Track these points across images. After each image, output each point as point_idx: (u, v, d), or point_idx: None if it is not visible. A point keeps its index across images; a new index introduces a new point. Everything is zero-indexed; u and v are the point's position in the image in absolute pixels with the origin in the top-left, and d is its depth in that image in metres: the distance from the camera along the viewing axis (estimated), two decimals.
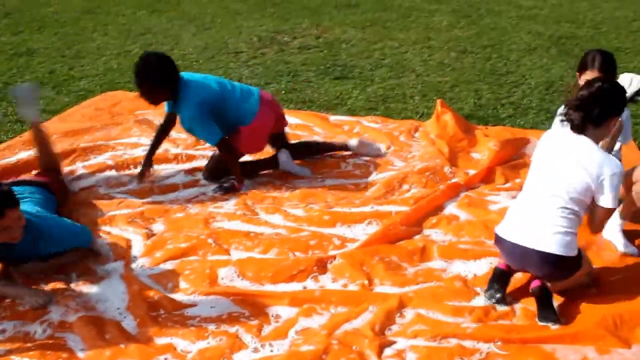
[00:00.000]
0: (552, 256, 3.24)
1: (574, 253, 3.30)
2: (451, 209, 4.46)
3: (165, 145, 5.36)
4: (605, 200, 3.25)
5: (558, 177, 3.30)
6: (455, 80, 7.26)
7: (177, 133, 5.75)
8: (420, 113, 6.22)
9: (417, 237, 4.11)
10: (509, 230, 3.39)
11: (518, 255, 3.35)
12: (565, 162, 3.30)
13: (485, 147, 5.24)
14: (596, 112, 3.28)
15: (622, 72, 6.72)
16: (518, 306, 3.45)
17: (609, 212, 3.31)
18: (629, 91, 6.44)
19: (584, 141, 3.30)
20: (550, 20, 10.12)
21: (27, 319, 3.42)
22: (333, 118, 6.04)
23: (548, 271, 3.34)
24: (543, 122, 6.01)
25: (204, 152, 5.33)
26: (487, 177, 4.87)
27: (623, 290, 3.49)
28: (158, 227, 4.30)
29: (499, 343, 3.15)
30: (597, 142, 3.34)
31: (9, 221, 3.44)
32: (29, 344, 3.25)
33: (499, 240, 3.45)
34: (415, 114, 6.21)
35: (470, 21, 10.15)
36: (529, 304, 3.43)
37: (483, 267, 3.77)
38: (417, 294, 3.53)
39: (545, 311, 3.31)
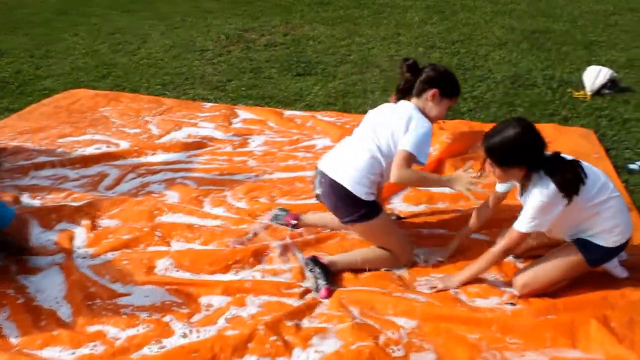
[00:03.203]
0: (340, 186, 3.53)
1: (364, 197, 3.53)
2: (396, 202, 4.49)
3: (116, 140, 5.40)
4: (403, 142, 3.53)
5: (375, 126, 3.69)
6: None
7: (131, 129, 5.82)
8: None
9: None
10: (322, 161, 3.75)
11: (322, 184, 3.66)
12: (383, 116, 3.74)
13: (438, 140, 5.27)
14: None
15: (593, 65, 6.82)
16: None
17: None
18: (596, 83, 6.53)
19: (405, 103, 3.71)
20: (526, 15, 10.18)
21: None
22: (287, 113, 6.08)
23: (334, 201, 3.61)
24: (505, 116, 6.06)
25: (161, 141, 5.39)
26: (436, 169, 4.91)
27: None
28: (103, 219, 4.34)
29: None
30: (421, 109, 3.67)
31: None
32: None
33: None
34: (374, 108, 6.23)
35: (443, 17, 10.20)
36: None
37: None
38: (346, 285, 3.58)
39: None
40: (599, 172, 3.38)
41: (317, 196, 3.79)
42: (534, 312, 3.29)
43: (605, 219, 3.31)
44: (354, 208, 3.58)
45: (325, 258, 3.65)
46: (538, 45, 8.44)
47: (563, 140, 5.15)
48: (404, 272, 3.70)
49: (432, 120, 3.70)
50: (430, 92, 3.66)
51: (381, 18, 10.07)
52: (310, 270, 3.55)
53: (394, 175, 3.52)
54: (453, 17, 10.17)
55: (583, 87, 6.60)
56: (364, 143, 3.65)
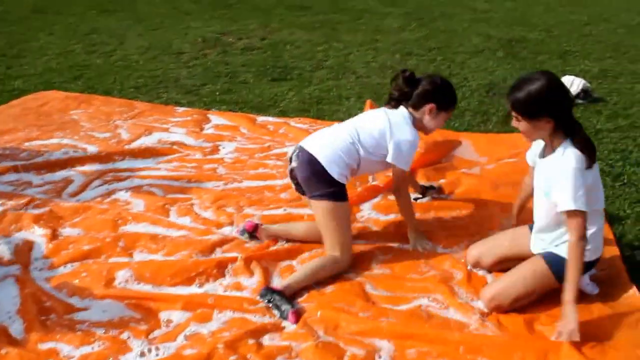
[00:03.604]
0: (316, 161, 3.62)
1: (337, 176, 3.63)
2: (368, 210, 4.39)
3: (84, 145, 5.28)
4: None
5: (363, 119, 3.86)
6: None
7: (101, 133, 5.69)
8: (353, 114, 6.11)
9: None
10: (303, 140, 3.85)
11: (298, 157, 3.73)
12: (374, 114, 3.85)
13: None
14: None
15: (568, 75, 6.77)
16: None
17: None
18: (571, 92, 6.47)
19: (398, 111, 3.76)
20: (503, 24, 10.14)
21: None
22: (260, 119, 5.97)
23: (307, 174, 3.67)
24: (479, 125, 5.98)
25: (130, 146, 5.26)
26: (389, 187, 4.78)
27: None
28: (64, 228, 4.20)
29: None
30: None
31: None
32: None
33: None
34: (348, 115, 6.11)
35: (421, 24, 10.14)
36: None
37: (383, 272, 3.72)
38: (311, 301, 3.46)
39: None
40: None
41: (292, 170, 3.81)
42: (503, 331, 3.19)
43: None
44: (324, 185, 3.64)
45: (279, 284, 3.54)
46: (514, 54, 8.38)
47: None
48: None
49: (428, 132, 3.85)
50: (427, 107, 3.71)
51: (360, 24, 10.00)
52: (269, 301, 3.39)
53: (397, 191, 3.83)
54: (431, 24, 10.11)
55: None
56: (347, 129, 3.78)
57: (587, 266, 3.26)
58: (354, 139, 3.70)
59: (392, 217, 4.28)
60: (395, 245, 3.96)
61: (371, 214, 4.37)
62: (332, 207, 3.65)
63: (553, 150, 3.19)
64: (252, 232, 3.99)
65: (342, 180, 3.67)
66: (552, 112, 3.10)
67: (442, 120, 3.80)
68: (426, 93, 3.71)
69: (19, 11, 11.24)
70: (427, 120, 3.75)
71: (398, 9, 11.05)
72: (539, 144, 3.40)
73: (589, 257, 3.25)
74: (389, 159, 3.68)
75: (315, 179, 3.67)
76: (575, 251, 3.09)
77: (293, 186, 3.91)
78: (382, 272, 3.71)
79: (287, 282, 3.51)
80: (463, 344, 3.09)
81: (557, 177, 3.11)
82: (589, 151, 3.12)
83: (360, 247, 3.91)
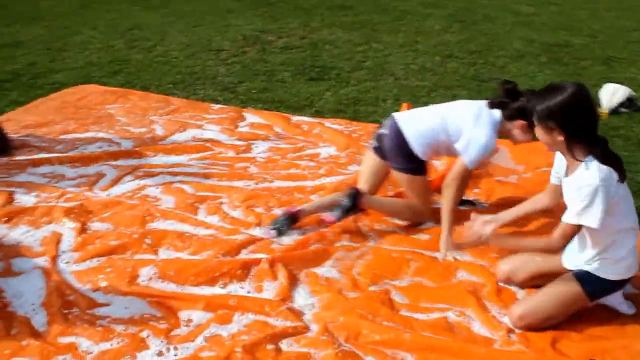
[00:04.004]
0: (402, 135, 3.92)
1: (419, 154, 3.93)
2: (395, 220, 4.30)
3: (118, 139, 5.31)
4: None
5: (454, 106, 4.01)
6: (433, 85, 7.12)
7: (136, 128, 5.70)
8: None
9: (353, 243, 3.97)
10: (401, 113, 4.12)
11: (390, 127, 4.02)
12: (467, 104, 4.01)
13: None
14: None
15: (612, 82, 6.61)
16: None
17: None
18: (613, 101, 6.32)
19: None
20: (546, 28, 9.95)
21: None
22: (295, 119, 5.93)
23: (393, 146, 3.98)
24: None
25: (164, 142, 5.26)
26: (440, 185, 4.71)
27: None
28: (93, 222, 4.21)
29: None
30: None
31: None
32: None
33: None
34: (384, 117, 6.03)
35: (462, 26, 10.00)
36: None
37: (413, 281, 3.64)
38: (334, 307, 3.40)
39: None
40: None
41: (379, 136, 4.11)
42: (530, 348, 3.10)
43: (619, 247, 3.12)
44: (405, 159, 3.96)
45: (363, 198, 4.02)
46: (556, 59, 8.21)
47: None
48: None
49: (515, 142, 3.98)
50: (519, 122, 3.80)
51: (400, 25, 9.89)
52: (342, 204, 3.94)
53: (447, 185, 3.86)
54: (473, 26, 9.96)
55: (599, 105, 6.37)
56: (439, 111, 3.99)
57: (616, 284, 3.17)
58: (441, 122, 3.88)
59: (428, 225, 4.19)
60: (426, 252, 3.87)
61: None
62: (410, 180, 4.01)
63: (574, 168, 3.06)
64: (294, 217, 4.08)
65: (422, 157, 3.94)
66: (564, 127, 2.97)
67: (530, 137, 3.78)
68: (522, 109, 3.73)
69: (66, 6, 11.36)
70: (517, 133, 3.87)
71: (440, 11, 10.92)
72: (561, 161, 3.29)
73: (620, 275, 3.15)
74: (457, 146, 3.83)
75: (399, 152, 3.96)
76: (543, 243, 3.27)
77: (373, 147, 4.20)
78: (410, 280, 3.63)
79: (369, 200, 4.06)
80: None
81: (573, 195, 3.00)
82: (614, 166, 2.98)
83: (391, 253, 3.84)
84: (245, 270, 3.66)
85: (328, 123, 5.81)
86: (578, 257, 3.24)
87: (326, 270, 3.71)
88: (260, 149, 5.32)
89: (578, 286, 3.17)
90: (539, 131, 3.10)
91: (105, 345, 3.12)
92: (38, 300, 3.45)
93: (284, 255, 3.78)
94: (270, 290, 3.53)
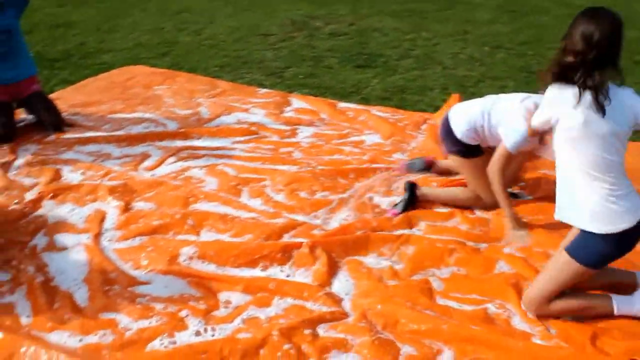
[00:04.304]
0: (448, 121, 4.08)
1: (460, 136, 4.03)
2: (440, 207, 4.25)
3: (164, 120, 5.35)
4: None
5: (506, 95, 4.08)
6: (481, 76, 7.02)
7: (182, 110, 5.74)
8: (436, 106, 6.01)
9: (395, 232, 3.93)
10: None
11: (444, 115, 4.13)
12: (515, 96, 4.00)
13: None
14: None
15: None
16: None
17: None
18: None
19: None
20: None
21: None
22: (341, 105, 5.90)
23: (442, 132, 4.14)
24: None
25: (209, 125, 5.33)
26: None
27: None
28: (137, 201, 4.25)
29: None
30: None
31: None
32: None
33: None
34: (430, 106, 6.02)
35: (513, 17, 9.84)
36: None
37: (454, 272, 3.59)
38: (373, 294, 3.37)
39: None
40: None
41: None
42: (569, 344, 3.04)
43: (591, 193, 2.97)
44: (451, 143, 4.09)
45: (420, 190, 4.21)
46: None
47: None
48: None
49: None
50: None
51: (450, 14, 9.77)
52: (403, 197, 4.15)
53: (490, 164, 3.80)
54: (523, 17, 9.78)
55: None
56: (487, 99, 4.08)
57: (600, 241, 2.98)
58: (485, 109, 3.93)
59: (477, 214, 4.14)
60: (469, 243, 3.82)
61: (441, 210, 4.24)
62: (461, 161, 4.13)
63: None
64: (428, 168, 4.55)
65: (466, 141, 4.01)
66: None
67: None
68: None
69: None
70: None
71: (490, 1, 10.76)
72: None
73: (602, 229, 2.95)
74: (500, 131, 3.82)
75: (446, 137, 4.11)
76: None
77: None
78: (452, 270, 3.59)
79: (426, 192, 4.21)
80: (526, 355, 2.96)
81: None
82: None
83: (434, 242, 3.80)
84: (285, 253, 3.65)
85: (374, 110, 5.77)
86: (560, 209, 3.15)
87: (366, 257, 3.68)
88: (304, 134, 5.30)
89: (566, 255, 3.08)
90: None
91: (144, 323, 3.15)
92: (80, 276, 3.51)
93: (325, 240, 3.76)
94: (309, 275, 3.52)
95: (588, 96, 2.91)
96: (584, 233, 3.02)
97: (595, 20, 2.93)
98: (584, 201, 2.99)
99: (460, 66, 7.27)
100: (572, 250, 3.06)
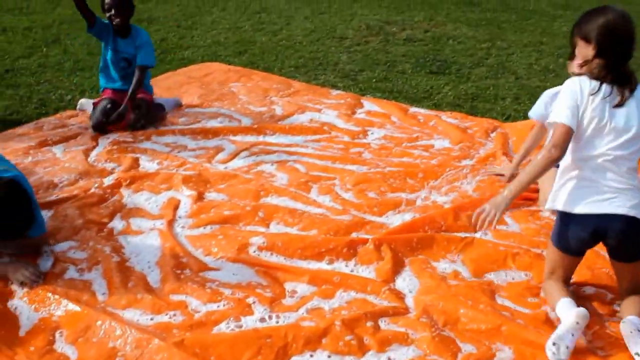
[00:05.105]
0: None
1: None
2: (505, 216, 4.23)
3: (239, 116, 5.52)
4: None
5: None
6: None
7: (256, 107, 5.88)
8: (507, 115, 6.02)
9: (460, 234, 3.98)
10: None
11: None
12: None
13: None
14: None
15: None
16: None
17: None
18: None
19: None
20: None
21: (63, 260, 3.59)
22: (412, 110, 5.95)
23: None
24: None
25: (282, 123, 5.42)
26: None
27: None
28: (210, 192, 4.39)
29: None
30: None
31: None
32: (59, 280, 3.44)
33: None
34: (502, 115, 6.02)
35: None
36: None
37: (519, 276, 3.61)
38: (435, 292, 3.43)
39: None
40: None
41: None
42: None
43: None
44: None
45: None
46: None
47: None
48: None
49: None
50: None
51: (527, 24, 9.71)
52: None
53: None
54: None
55: None
56: None
57: (561, 218, 3.23)
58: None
59: (534, 224, 4.15)
60: (533, 249, 3.82)
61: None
62: None
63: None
64: None
65: None
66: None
67: None
68: None
69: None
70: None
71: (570, 13, 10.64)
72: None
73: (557, 205, 3.20)
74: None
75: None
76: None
77: None
78: (514, 273, 3.63)
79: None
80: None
81: None
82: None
83: (497, 246, 3.84)
84: (351, 249, 3.74)
85: (444, 116, 5.81)
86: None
87: (430, 257, 3.74)
88: (375, 136, 5.38)
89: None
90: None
91: (212, 307, 3.27)
92: (153, 259, 3.66)
93: (391, 237, 3.83)
94: (373, 270, 3.60)
95: (607, 88, 3.06)
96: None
97: (614, 14, 3.11)
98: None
99: (534, 77, 7.24)
100: (551, 233, 3.31)
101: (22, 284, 3.36)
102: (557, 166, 3.84)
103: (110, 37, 5.44)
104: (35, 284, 3.36)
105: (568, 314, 3.01)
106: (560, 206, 3.18)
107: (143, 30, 5.62)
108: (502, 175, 4.60)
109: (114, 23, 5.36)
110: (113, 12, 5.31)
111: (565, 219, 3.18)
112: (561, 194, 3.19)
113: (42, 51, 7.54)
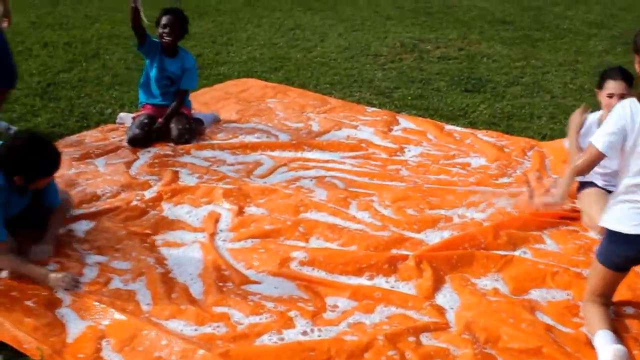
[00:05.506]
0: None
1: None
2: (544, 236, 4.23)
3: (276, 132, 5.60)
4: None
5: None
6: (592, 106, 6.95)
7: (293, 123, 5.94)
8: (543, 134, 6.02)
9: (499, 252, 3.99)
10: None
11: None
12: None
13: None
14: None
15: None
16: None
17: None
18: None
19: None
20: None
21: (107, 270, 3.66)
22: (448, 127, 5.98)
23: None
24: None
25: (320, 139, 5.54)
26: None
27: None
28: (250, 206, 4.45)
29: None
30: None
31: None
32: (104, 290, 3.52)
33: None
34: (538, 134, 6.03)
35: (627, 49, 9.62)
36: None
37: (559, 295, 3.62)
38: (476, 308, 3.45)
39: None
40: None
41: None
42: None
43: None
44: None
45: None
46: None
47: None
48: None
49: None
50: None
51: (561, 43, 9.70)
52: None
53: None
54: None
55: None
56: None
57: (608, 237, 3.22)
58: None
59: (573, 244, 4.14)
60: (572, 268, 3.82)
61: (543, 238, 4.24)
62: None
63: None
64: None
65: None
66: None
67: None
68: None
69: (231, 3, 11.89)
70: None
71: (605, 31, 10.62)
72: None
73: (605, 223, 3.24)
74: None
75: None
76: None
77: None
78: (555, 292, 3.63)
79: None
80: None
81: None
82: None
83: (537, 264, 3.84)
84: (391, 265, 3.77)
85: (480, 135, 5.83)
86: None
87: (471, 274, 3.76)
88: (412, 153, 5.41)
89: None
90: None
91: (255, 319, 3.32)
92: (196, 271, 3.72)
93: (431, 254, 3.86)
94: (413, 287, 3.62)
95: None
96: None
97: None
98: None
99: (569, 96, 7.24)
100: (597, 250, 3.28)
101: (63, 289, 3.47)
102: (605, 190, 3.87)
103: (157, 55, 5.55)
104: (75, 289, 3.47)
105: (606, 350, 3.01)
106: (610, 225, 3.19)
107: (190, 54, 5.77)
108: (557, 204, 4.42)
109: (164, 41, 5.48)
110: (167, 30, 5.44)
111: (614, 237, 3.18)
112: (613, 214, 3.20)
113: (82, 65, 7.66)
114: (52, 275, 3.51)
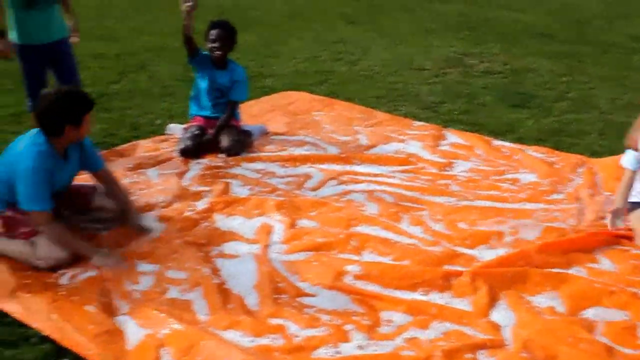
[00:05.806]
0: None
1: None
2: (598, 255, 4.18)
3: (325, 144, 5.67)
4: None
5: None
6: None
7: (341, 136, 5.96)
8: (593, 151, 5.97)
9: (554, 269, 3.96)
10: None
11: None
12: None
13: None
14: None
15: None
16: None
17: None
18: None
19: None
20: None
21: (163, 280, 3.71)
22: (496, 142, 5.96)
23: None
24: None
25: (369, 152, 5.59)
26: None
27: None
28: (302, 219, 4.47)
29: None
30: None
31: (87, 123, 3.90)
32: (162, 298, 3.58)
33: None
34: (587, 150, 5.98)
35: None
36: None
37: (617, 315, 3.58)
38: (533, 326, 3.43)
39: None
40: None
41: None
42: None
43: None
44: None
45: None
46: None
47: None
48: None
49: None
50: None
51: (606, 58, 9.61)
52: None
53: None
54: None
55: None
56: None
57: None
58: None
59: (628, 264, 4.10)
60: (629, 289, 3.78)
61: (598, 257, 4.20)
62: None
63: None
64: None
65: None
66: None
67: None
68: None
69: (274, 16, 11.98)
70: None
71: None
72: None
73: None
74: None
75: None
76: None
77: None
78: (612, 312, 3.60)
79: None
80: None
81: None
82: None
83: (593, 283, 3.82)
84: (446, 281, 3.77)
85: (529, 151, 5.79)
86: None
87: (525, 291, 3.74)
88: (461, 168, 5.40)
89: None
90: None
91: (311, 332, 3.34)
92: (250, 283, 3.76)
93: (486, 271, 3.85)
94: (468, 303, 3.61)
95: None
96: None
97: None
98: None
99: (618, 112, 7.16)
100: None
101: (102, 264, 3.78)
102: None
103: (207, 68, 5.62)
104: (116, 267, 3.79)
105: None
106: None
107: (241, 66, 5.82)
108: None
109: (214, 54, 5.55)
110: (217, 44, 5.51)
111: None
112: None
113: (131, 77, 7.77)
114: (99, 255, 3.80)
